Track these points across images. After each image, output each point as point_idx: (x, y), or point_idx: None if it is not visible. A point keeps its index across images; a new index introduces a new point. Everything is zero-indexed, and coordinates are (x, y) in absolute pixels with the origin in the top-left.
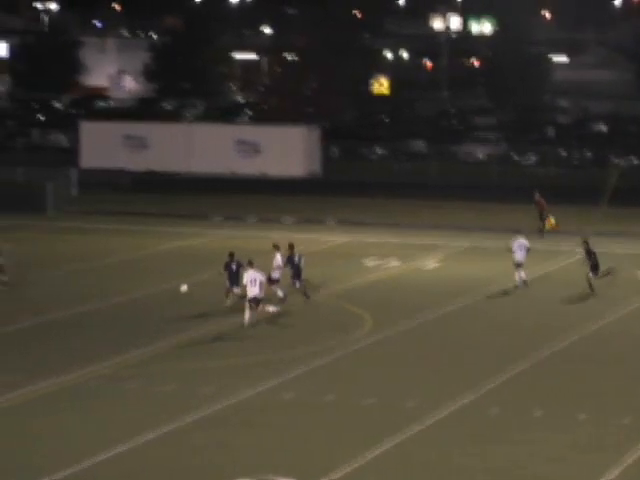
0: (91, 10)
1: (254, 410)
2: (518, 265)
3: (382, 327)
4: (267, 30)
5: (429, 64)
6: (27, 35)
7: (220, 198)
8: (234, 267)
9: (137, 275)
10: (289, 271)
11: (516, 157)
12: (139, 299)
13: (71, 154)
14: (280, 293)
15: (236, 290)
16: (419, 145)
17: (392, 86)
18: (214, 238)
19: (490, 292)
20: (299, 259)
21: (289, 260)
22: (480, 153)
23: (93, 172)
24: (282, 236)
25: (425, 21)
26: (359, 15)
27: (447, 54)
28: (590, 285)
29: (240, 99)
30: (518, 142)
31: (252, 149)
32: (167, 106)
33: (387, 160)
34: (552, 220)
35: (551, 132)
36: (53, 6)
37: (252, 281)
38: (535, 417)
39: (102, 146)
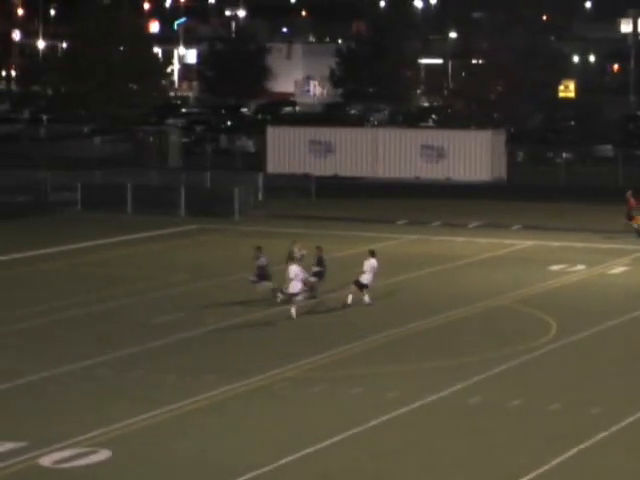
0: (278, 17)
1: (439, 414)
2: None
3: (567, 332)
4: (453, 34)
5: (616, 67)
6: (216, 42)
7: (405, 202)
8: (263, 261)
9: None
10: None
11: None
12: (322, 304)
13: (258, 159)
14: (367, 299)
15: (263, 285)
16: (606, 149)
17: (578, 90)
18: (398, 242)
19: None
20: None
21: (319, 261)
22: None
23: (279, 176)
24: (467, 240)
25: (613, 25)
26: (546, 19)
27: (635, 57)
28: None
29: (425, 103)
30: None
31: (437, 154)
32: (352, 111)
33: (574, 165)
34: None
35: None
36: (242, 13)
37: (295, 276)
38: None
39: (288, 151)
